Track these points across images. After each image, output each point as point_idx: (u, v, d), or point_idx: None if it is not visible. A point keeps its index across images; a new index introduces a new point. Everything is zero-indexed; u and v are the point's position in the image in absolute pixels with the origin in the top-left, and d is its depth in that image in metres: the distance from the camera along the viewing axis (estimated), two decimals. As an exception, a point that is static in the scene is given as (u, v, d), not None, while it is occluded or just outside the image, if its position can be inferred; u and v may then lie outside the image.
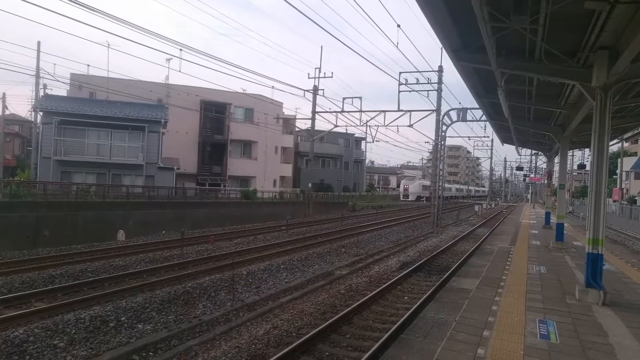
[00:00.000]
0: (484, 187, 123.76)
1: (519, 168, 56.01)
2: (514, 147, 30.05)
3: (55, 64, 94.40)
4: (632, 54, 6.35)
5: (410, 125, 26.30)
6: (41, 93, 30.17)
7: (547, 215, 23.23)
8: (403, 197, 64.74)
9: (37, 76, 29.38)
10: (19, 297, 8.66)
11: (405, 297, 9.80)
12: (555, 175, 30.20)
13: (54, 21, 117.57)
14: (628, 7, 5.65)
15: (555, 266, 10.97)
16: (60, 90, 37.85)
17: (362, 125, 28.80)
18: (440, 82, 25.66)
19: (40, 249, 14.21)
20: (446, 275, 11.41)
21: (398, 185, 79.71)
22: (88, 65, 66.94)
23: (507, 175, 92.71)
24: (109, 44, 38.24)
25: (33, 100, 30.90)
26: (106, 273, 11.13)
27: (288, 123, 43.33)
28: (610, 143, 11.63)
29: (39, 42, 28.80)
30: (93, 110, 25.63)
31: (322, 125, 70.67)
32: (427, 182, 66.73)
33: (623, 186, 44.70)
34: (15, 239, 14.19)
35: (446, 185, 75.36)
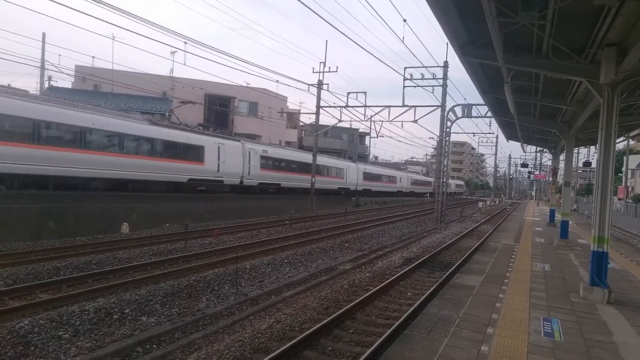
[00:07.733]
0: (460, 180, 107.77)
1: (524, 165, 55.84)
2: (519, 143, 29.91)
3: (60, 56, 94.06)
4: (641, 51, 6.29)
5: (415, 121, 26.20)
6: (46, 85, 30.27)
7: (552, 212, 23.15)
8: None
9: (42, 68, 29.44)
10: (24, 289, 8.70)
11: (409, 293, 9.79)
12: (561, 172, 30.10)
13: (59, 13, 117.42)
14: (638, 4, 5.59)
15: (559, 264, 10.95)
16: (65, 82, 37.82)
17: (366, 120, 28.56)
18: (445, 77, 25.50)
19: (44, 241, 14.29)
20: (450, 271, 11.40)
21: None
22: (93, 57, 66.73)
23: (511, 172, 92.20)
24: (114, 36, 38.13)
25: (38, 92, 31.00)
26: (110, 265, 11.18)
27: (292, 117, 43.31)
28: (617, 141, 11.55)
29: (44, 34, 28.83)
30: (97, 103, 25.66)
31: (326, 119, 70.56)
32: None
33: (628, 184, 44.47)
34: (20, 231, 14.27)
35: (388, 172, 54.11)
